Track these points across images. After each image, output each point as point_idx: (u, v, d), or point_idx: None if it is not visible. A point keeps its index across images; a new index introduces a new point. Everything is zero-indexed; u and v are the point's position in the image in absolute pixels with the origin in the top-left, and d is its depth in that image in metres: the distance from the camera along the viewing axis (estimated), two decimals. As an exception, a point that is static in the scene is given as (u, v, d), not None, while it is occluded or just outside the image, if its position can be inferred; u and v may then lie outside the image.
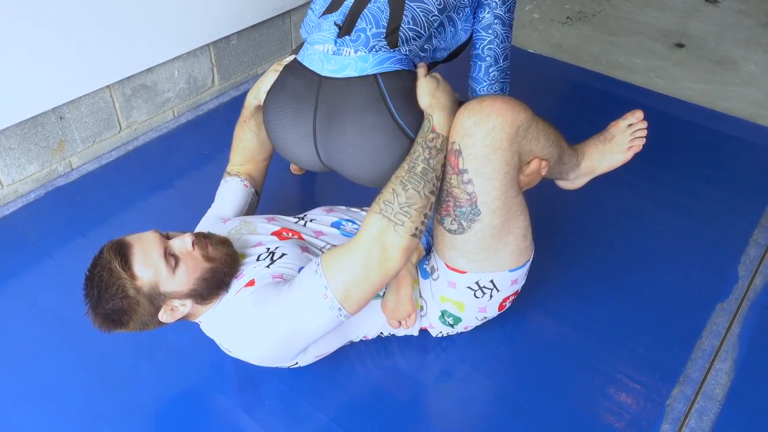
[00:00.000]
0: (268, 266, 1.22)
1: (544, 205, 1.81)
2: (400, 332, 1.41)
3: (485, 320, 1.39)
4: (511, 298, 1.36)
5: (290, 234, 1.34)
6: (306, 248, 1.28)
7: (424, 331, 1.42)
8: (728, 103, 2.33)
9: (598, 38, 2.78)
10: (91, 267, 1.12)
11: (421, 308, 1.37)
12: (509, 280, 1.30)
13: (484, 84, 1.40)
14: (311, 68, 1.22)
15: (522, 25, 2.89)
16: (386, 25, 1.20)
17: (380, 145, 1.18)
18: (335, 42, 1.20)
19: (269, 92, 1.29)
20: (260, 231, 1.34)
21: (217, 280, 1.16)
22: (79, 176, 1.95)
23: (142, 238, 1.13)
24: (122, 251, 1.09)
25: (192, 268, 1.13)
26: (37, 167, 1.89)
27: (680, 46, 2.73)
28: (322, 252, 1.30)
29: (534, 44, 2.73)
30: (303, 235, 1.35)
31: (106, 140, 2.05)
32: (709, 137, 2.14)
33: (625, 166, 2.01)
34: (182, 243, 1.15)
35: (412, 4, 1.23)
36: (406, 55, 1.22)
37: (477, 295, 1.30)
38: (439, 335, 1.42)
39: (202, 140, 2.11)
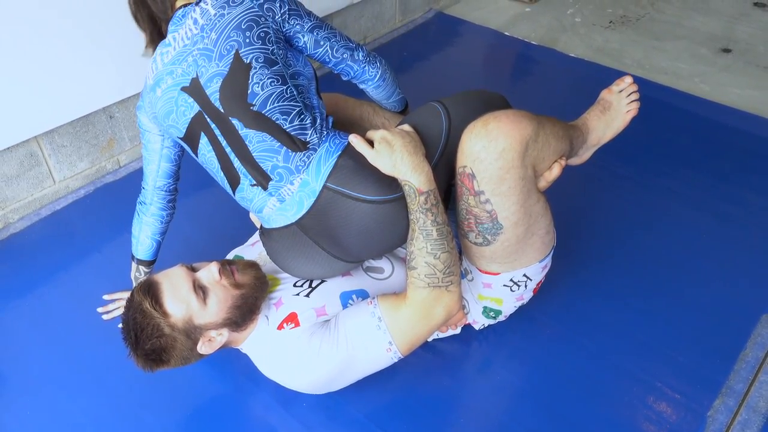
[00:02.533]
0: (307, 295, 1.24)
1: (584, 211, 1.80)
2: (442, 335, 1.43)
3: (522, 305, 1.42)
4: (542, 281, 1.39)
5: None
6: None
7: (466, 327, 1.44)
8: (776, 110, 2.27)
9: (641, 43, 2.74)
10: (125, 311, 1.15)
11: (464, 307, 1.39)
12: (540, 268, 1.32)
13: (363, 64, 1.30)
14: (282, 225, 1.21)
15: (563, 29, 2.86)
16: (280, 143, 1.14)
17: (379, 228, 1.18)
18: (270, 195, 1.19)
19: (272, 256, 1.28)
20: None
21: (249, 305, 1.18)
22: (127, 174, 2.01)
23: (169, 275, 1.15)
24: (151, 291, 1.11)
25: (222, 298, 1.14)
26: (87, 164, 1.96)
27: (727, 51, 2.67)
28: (364, 271, 1.33)
29: (575, 48, 2.70)
30: None
31: (152, 139, 2.11)
32: (756, 144, 2.09)
33: (669, 173, 1.98)
34: (209, 273, 1.15)
35: (273, 107, 1.13)
36: (318, 141, 1.17)
37: (513, 289, 1.33)
38: (482, 327, 1.44)
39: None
